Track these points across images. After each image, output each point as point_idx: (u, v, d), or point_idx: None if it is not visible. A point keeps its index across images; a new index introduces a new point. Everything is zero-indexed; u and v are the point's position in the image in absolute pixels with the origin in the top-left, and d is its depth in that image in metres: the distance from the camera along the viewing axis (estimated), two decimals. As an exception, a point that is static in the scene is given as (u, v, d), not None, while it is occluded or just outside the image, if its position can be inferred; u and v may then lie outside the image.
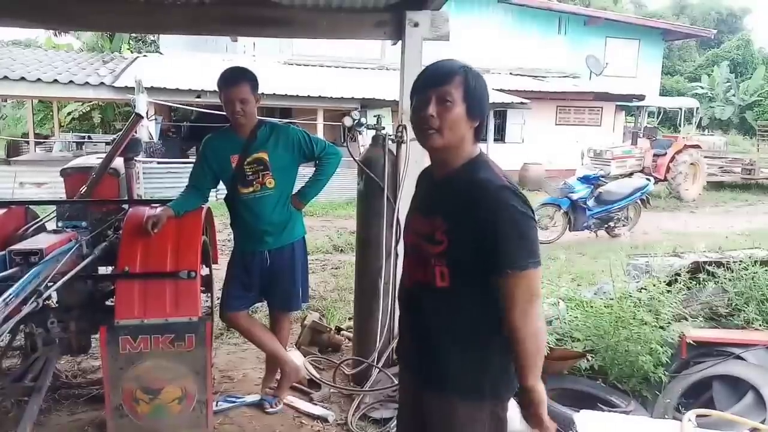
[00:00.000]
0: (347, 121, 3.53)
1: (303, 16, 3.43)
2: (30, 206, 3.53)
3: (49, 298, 3.02)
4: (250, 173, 3.19)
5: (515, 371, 1.70)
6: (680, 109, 15.34)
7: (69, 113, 18.89)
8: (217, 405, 3.37)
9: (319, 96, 12.65)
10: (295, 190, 3.36)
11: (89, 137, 17.67)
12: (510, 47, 18.58)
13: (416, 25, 3.38)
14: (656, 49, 20.82)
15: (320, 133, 12.73)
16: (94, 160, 3.95)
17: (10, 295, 2.02)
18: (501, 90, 15.47)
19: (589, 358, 3.31)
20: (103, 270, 3.36)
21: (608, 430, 2.06)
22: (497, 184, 1.67)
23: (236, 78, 3.13)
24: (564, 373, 3.33)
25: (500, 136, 16.60)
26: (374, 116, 3.77)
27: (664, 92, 24.55)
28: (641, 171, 13.18)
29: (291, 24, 3.45)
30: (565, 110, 17.31)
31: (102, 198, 3.61)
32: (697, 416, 2.18)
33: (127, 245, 2.98)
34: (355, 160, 3.58)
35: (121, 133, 3.59)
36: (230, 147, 3.22)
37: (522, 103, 14.46)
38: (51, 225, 3.49)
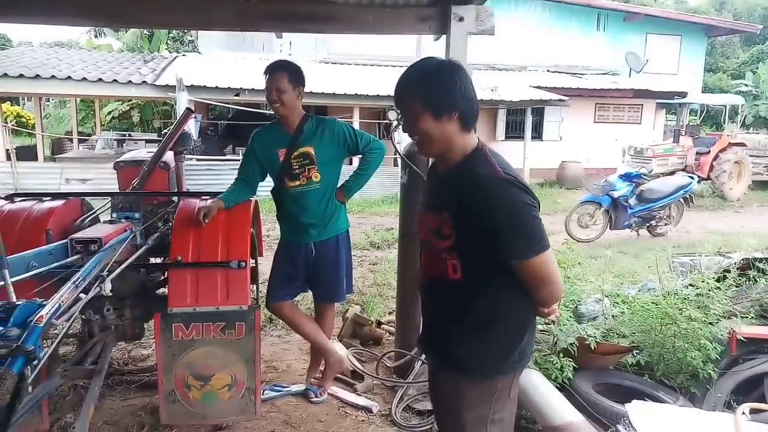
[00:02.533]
0: (392, 115, 3.57)
1: (348, 11, 3.47)
2: (85, 198, 3.64)
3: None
4: (296, 167, 3.25)
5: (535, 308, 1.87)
6: (724, 106, 14.94)
7: (109, 112, 19.41)
8: (263, 393, 3.44)
9: (356, 94, 12.72)
10: (339, 184, 3.42)
11: (129, 135, 18.15)
12: (548, 44, 18.37)
13: (461, 19, 3.39)
14: (699, 45, 20.30)
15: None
16: (145, 154, 4.07)
17: (78, 278, 2.10)
18: (539, 87, 15.33)
19: (635, 354, 3.28)
20: (152, 261, 3.47)
21: (660, 420, 2.05)
22: (494, 179, 1.71)
23: (276, 67, 3.19)
24: (610, 369, 3.30)
25: (538, 133, 16.45)
26: (398, 113, 3.80)
27: (706, 90, 23.94)
28: (683, 169, 12.90)
29: (337, 20, 3.49)
30: (604, 108, 17.04)
31: (154, 190, 3.70)
32: (751, 410, 2.15)
33: (179, 235, 3.06)
34: (399, 153, 3.60)
35: (172, 127, 3.68)
36: (278, 141, 3.28)
37: (561, 100, 14.30)
38: (103, 217, 3.61)
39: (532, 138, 15.57)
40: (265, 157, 3.32)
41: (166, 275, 3.69)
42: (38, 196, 3.47)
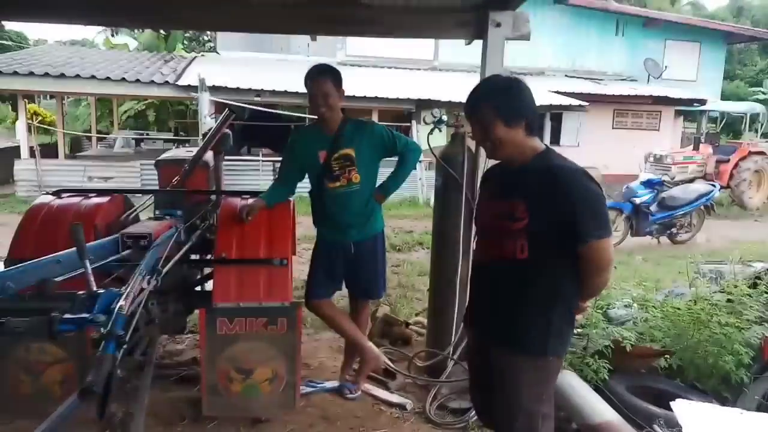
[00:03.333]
0: (428, 118, 3.63)
1: (390, 16, 3.55)
2: (126, 195, 3.74)
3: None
4: (337, 168, 3.31)
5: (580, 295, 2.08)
6: (745, 114, 14.87)
7: (125, 111, 19.61)
8: (300, 389, 3.51)
9: (375, 96, 12.80)
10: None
11: (147, 134, 18.36)
12: (566, 49, 18.39)
13: (498, 25, 3.45)
14: (718, 52, 20.22)
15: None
16: (184, 153, 4.16)
17: (142, 270, 2.19)
18: (557, 92, 15.33)
19: (667, 358, 3.32)
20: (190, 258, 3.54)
21: (704, 418, 2.10)
22: (572, 169, 1.97)
23: (320, 73, 3.25)
24: (642, 372, 3.35)
25: (555, 138, 16.42)
26: (438, 115, 3.86)
27: (724, 97, 23.78)
28: (703, 177, 12.86)
29: (378, 24, 3.58)
30: (622, 114, 17.02)
31: (196, 188, 3.78)
32: (794, 413, 2.20)
33: (223, 233, 3.15)
34: (434, 155, 3.67)
35: (214, 127, 3.77)
36: (318, 143, 3.35)
37: (580, 105, 14.30)
38: (143, 214, 3.71)
39: (550, 143, 15.56)
40: (306, 159, 3.39)
41: (205, 272, 3.81)
42: (84, 192, 3.57)
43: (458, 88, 14.21)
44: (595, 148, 15.84)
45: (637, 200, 8.56)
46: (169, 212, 3.44)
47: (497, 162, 2.22)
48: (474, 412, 3.23)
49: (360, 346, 3.56)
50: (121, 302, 1.72)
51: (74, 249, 2.53)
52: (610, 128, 16.91)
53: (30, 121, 12.26)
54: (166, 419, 3.26)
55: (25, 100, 12.61)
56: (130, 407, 3.32)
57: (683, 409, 2.13)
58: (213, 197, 3.92)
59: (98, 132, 18.12)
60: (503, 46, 3.53)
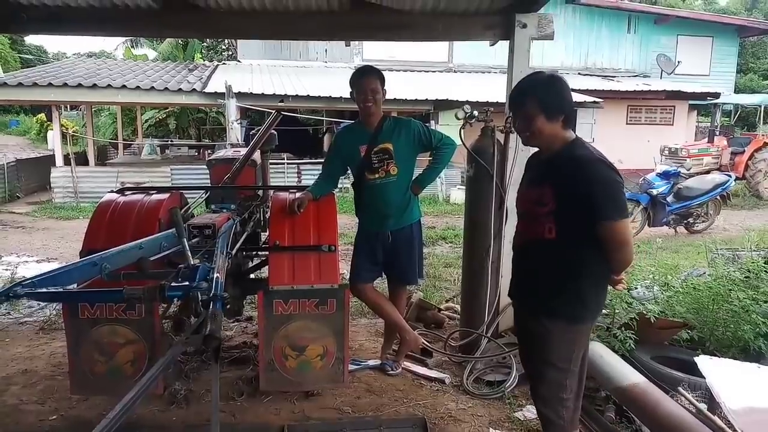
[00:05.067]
0: (460, 114, 3.90)
1: (421, 20, 3.83)
2: (183, 192, 4.05)
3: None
4: (376, 161, 3.60)
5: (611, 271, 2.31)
6: (759, 106, 14.97)
7: (146, 120, 20.09)
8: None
9: (394, 98, 13.07)
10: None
11: (171, 141, 18.81)
12: (578, 47, 18.59)
13: (524, 26, 3.72)
14: (730, 46, 20.30)
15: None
16: (232, 153, 4.47)
17: (222, 249, 2.49)
18: (571, 90, 15.51)
19: (688, 331, 3.56)
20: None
21: (727, 371, 2.35)
22: (593, 158, 2.17)
23: (368, 71, 3.59)
24: (666, 344, 3.59)
25: (569, 136, 16.62)
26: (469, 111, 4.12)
27: (738, 91, 23.78)
28: (718, 169, 13.01)
29: (411, 28, 3.86)
30: (636, 110, 17.16)
31: (244, 184, 4.09)
32: (805, 368, 2.44)
33: (276, 223, 3.44)
34: (467, 148, 3.94)
35: (262, 128, 4.07)
36: (359, 138, 3.65)
37: (595, 102, 14.48)
38: (197, 210, 4.01)
39: (565, 140, 15.77)
40: (348, 153, 3.68)
41: (255, 261, 4.11)
42: (145, 189, 3.88)
43: (474, 88, 14.48)
44: (609, 144, 15.89)
45: (654, 191, 8.76)
46: (224, 206, 3.75)
47: (537, 150, 2.47)
48: (508, 383, 3.54)
49: (401, 328, 3.84)
50: (217, 273, 2.02)
51: (150, 238, 2.85)
52: (624, 124, 17.05)
53: (65, 130, 12.68)
54: (224, 396, 3.55)
55: (59, 110, 13.05)
56: (192, 386, 3.67)
57: (706, 363, 2.38)
58: (260, 193, 4.22)
59: (125, 140, 18.60)
60: (529, 46, 3.80)
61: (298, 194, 3.60)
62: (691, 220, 9.19)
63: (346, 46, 13.22)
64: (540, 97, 2.24)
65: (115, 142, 17.66)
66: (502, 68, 17.88)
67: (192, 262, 2.11)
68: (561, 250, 2.26)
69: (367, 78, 3.55)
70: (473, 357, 3.90)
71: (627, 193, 9.32)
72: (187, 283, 1.99)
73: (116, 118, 18.29)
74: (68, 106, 25.69)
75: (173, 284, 1.95)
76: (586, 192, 2.12)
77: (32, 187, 13.42)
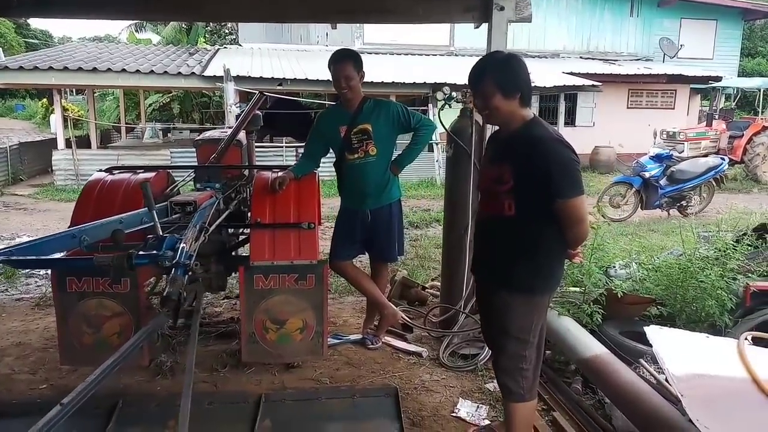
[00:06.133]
0: (439, 96, 3.99)
1: (403, 3, 3.90)
2: (170, 171, 4.16)
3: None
4: (355, 142, 3.69)
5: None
6: (758, 89, 14.92)
7: (150, 104, 20.20)
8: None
9: (392, 82, 13.13)
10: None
11: (174, 125, 18.93)
12: (580, 31, 18.53)
13: (502, 8, 3.78)
14: (735, 29, 20.16)
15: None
16: (219, 134, 4.56)
17: (195, 223, 2.60)
18: (571, 73, 15.51)
19: (659, 307, 3.66)
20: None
21: (675, 340, 2.45)
22: (550, 137, 2.25)
23: (342, 57, 3.63)
24: (636, 320, 3.70)
25: (570, 119, 16.65)
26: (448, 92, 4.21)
27: (744, 74, 23.67)
28: (716, 153, 13.01)
29: (394, 11, 3.93)
30: (637, 93, 17.14)
31: (230, 164, 4.19)
32: (753, 338, 2.53)
33: (257, 201, 3.55)
34: (445, 129, 4.03)
35: (246, 109, 4.17)
36: (339, 119, 3.74)
37: (593, 85, 14.48)
38: (183, 188, 4.12)
39: (566, 124, 15.80)
40: (329, 134, 3.78)
41: (240, 238, 4.23)
42: (132, 169, 4.00)
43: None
44: (610, 128, 16.04)
45: (647, 174, 8.82)
46: (209, 185, 3.85)
47: (497, 129, 2.57)
48: (481, 356, 3.66)
49: (380, 303, 3.96)
50: (183, 243, 2.13)
51: (131, 213, 2.97)
52: (625, 108, 17.05)
53: (67, 113, 12.81)
54: (209, 367, 3.69)
55: (66, 94, 13.18)
56: (178, 358, 3.80)
57: (654, 332, 2.48)
58: (246, 173, 4.32)
59: (128, 124, 18.74)
60: (507, 28, 3.86)
61: (280, 173, 3.71)
62: (684, 203, 9.24)
63: (332, 28, 13.16)
64: (496, 76, 2.30)
65: (117, 126, 17.77)
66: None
67: (160, 233, 2.22)
68: (520, 226, 2.35)
69: (341, 64, 3.60)
70: (450, 332, 4.02)
71: (619, 177, 9.41)
72: (154, 252, 2.10)
73: (121, 102, 18.45)
74: (74, 90, 25.87)
75: (140, 252, 2.06)
76: (544, 170, 2.20)
77: (35, 170, 13.59)
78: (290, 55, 15.79)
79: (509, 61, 2.36)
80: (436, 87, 13.28)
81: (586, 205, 2.29)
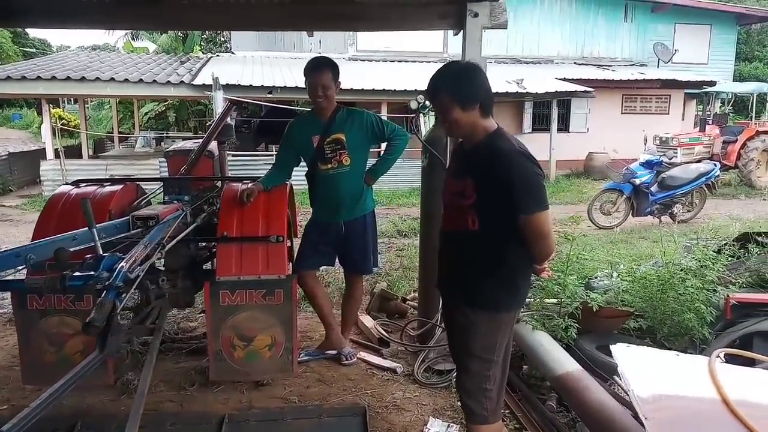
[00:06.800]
0: (413, 104, 3.92)
1: (375, 11, 3.82)
2: (139, 183, 4.07)
3: (159, 260, 3.59)
4: (329, 151, 3.62)
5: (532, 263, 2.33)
6: (752, 94, 14.86)
7: (146, 113, 20.15)
8: (300, 357, 3.83)
9: (383, 89, 13.06)
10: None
11: (167, 134, 18.88)
12: (574, 36, 18.50)
13: (476, 15, 3.70)
14: (729, 33, 20.13)
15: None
16: (191, 145, 4.49)
17: (146, 241, 2.51)
18: (564, 79, 15.47)
19: (638, 320, 3.57)
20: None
21: (642, 359, 2.35)
22: (512, 150, 2.16)
23: (319, 66, 3.56)
24: (615, 333, 3.60)
25: (564, 125, 16.57)
26: (421, 101, 4.13)
27: (741, 78, 23.58)
28: (710, 158, 12.93)
29: (365, 18, 3.86)
30: (631, 99, 17.08)
31: (201, 176, 4.11)
32: (726, 356, 2.44)
33: (225, 214, 3.47)
34: (419, 139, 3.95)
35: (215, 119, 4.09)
36: (312, 128, 3.66)
37: (586, 91, 14.43)
38: (154, 201, 4.03)
39: (559, 130, 15.70)
40: (301, 143, 3.69)
41: (212, 252, 4.13)
42: (100, 181, 3.91)
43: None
44: (604, 134, 15.96)
45: (637, 181, 8.73)
46: (177, 197, 3.77)
47: (461, 141, 2.47)
48: (455, 372, 3.56)
49: (327, 326, 3.92)
50: (122, 263, 2.04)
51: (84, 229, 2.87)
52: (619, 113, 16.99)
53: (54, 124, 12.75)
54: (177, 385, 3.60)
55: (50, 104, 13.13)
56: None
57: (621, 351, 2.38)
58: (219, 184, 4.23)
59: (120, 133, 18.67)
60: (481, 35, 3.77)
61: (249, 185, 3.62)
62: (675, 209, 9.14)
63: (308, 36, 13.12)
64: (452, 88, 2.21)
65: (107, 135, 17.71)
66: (497, 57, 17.79)
67: (100, 253, 2.13)
68: (484, 241, 2.26)
69: (318, 73, 3.53)
70: (427, 346, 3.92)
71: (610, 183, 9.33)
72: (91, 272, 2.01)
73: (119, 111, 18.40)
74: (72, 99, 25.83)
75: (75, 274, 1.97)
76: (506, 184, 2.11)
77: (25, 181, 13.50)
78: (282, 63, 15.73)
79: (465, 72, 2.27)
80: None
81: (551, 219, 2.20)
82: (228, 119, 4.08)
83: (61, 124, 19.12)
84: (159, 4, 3.74)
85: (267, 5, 3.74)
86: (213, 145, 4.25)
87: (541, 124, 16.32)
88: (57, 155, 12.40)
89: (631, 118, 16.93)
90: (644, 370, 2.24)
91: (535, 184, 2.13)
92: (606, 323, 3.52)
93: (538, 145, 15.52)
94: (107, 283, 1.89)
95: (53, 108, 21.46)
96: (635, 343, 3.47)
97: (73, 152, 14.26)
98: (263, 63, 15.75)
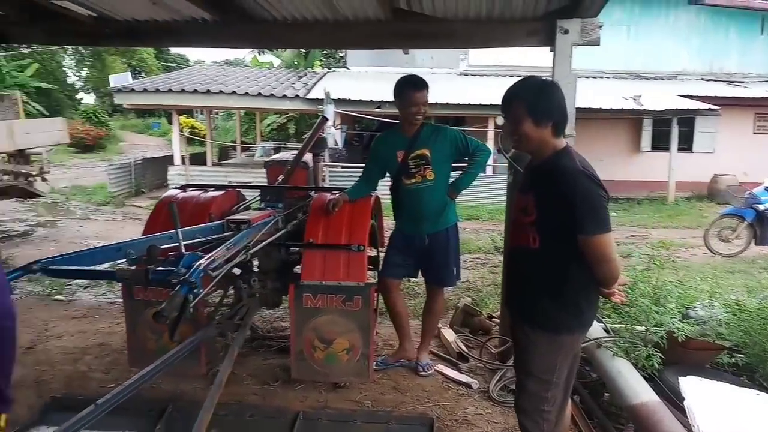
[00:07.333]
0: (499, 121, 3.91)
1: (462, 28, 3.88)
2: (240, 190, 4.38)
3: (252, 262, 3.84)
4: (413, 167, 3.71)
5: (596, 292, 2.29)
6: None
7: (268, 125, 21.32)
8: (377, 365, 3.93)
9: (490, 104, 12.97)
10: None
11: (285, 145, 19.85)
12: (702, 51, 17.36)
13: (566, 32, 3.66)
14: None
15: (490, 141, 13.06)
16: (290, 156, 4.76)
17: (229, 244, 2.72)
18: (688, 96, 14.55)
19: (733, 355, 3.32)
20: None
21: (714, 394, 2.21)
22: (574, 169, 2.13)
23: (422, 84, 3.70)
24: (707, 367, 3.38)
25: (687, 145, 15.51)
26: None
27: None
28: None
29: (454, 36, 3.92)
30: (765, 118, 15.72)
31: (295, 185, 4.35)
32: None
33: (312, 222, 3.66)
34: (505, 156, 3.93)
35: (310, 132, 4.31)
36: (397, 144, 3.78)
37: (710, 109, 13.49)
38: (254, 206, 4.31)
39: (681, 149, 14.76)
40: (386, 158, 3.82)
41: (301, 257, 4.35)
42: (204, 187, 4.25)
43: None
44: (732, 155, 14.83)
45: (761, 207, 8.04)
46: (272, 205, 4.01)
47: (531, 157, 2.47)
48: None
49: (403, 336, 4.04)
50: (200, 261, 2.23)
51: (187, 228, 3.15)
52: (751, 133, 15.69)
53: (181, 133, 13.86)
54: (262, 380, 3.83)
55: (184, 114, 14.33)
56: (235, 370, 3.95)
57: (691, 384, 2.26)
58: (313, 193, 4.45)
59: (245, 143, 19.92)
60: (571, 52, 3.73)
61: (336, 195, 3.80)
62: (806, 240, 8.32)
63: (404, 53, 13.22)
64: (528, 102, 2.22)
65: (230, 144, 18.93)
66: (615, 72, 17.02)
67: (183, 251, 2.34)
68: (544, 260, 2.24)
69: (420, 91, 3.67)
70: (506, 365, 3.88)
71: (729, 209, 8.67)
72: (172, 268, 2.22)
73: (244, 122, 19.68)
74: (202, 110, 27.99)
75: (158, 269, 2.19)
76: (566, 204, 2.10)
77: (155, 183, 14.73)
78: (393, 78, 16.00)
79: (544, 88, 2.27)
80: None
81: (613, 243, 2.14)
82: (321, 133, 4.28)
83: (192, 133, 20.73)
84: (254, 23, 4.03)
85: (356, 24, 3.92)
86: (308, 157, 4.48)
87: (660, 142, 15.41)
88: (183, 161, 13.46)
89: (764, 139, 15.59)
90: (714, 406, 2.11)
91: (597, 205, 2.10)
92: (694, 356, 3.31)
93: (657, 165, 14.73)
94: (183, 278, 2.08)
95: (187, 118, 23.35)
96: (729, 380, 3.25)
97: (200, 159, 15.40)
98: (376, 78, 16.18)
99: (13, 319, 1.45)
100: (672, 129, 14.20)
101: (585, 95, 12.42)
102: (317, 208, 3.73)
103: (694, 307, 4.02)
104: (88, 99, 36.47)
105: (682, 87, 15.85)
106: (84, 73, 36.55)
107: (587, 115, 12.16)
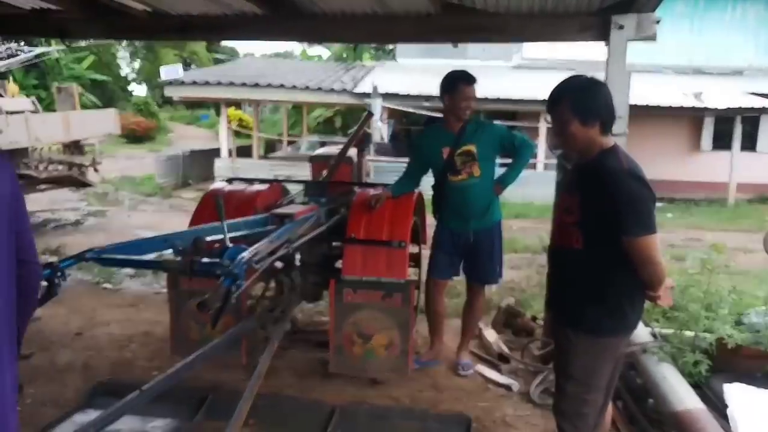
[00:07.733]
0: (548, 118, 3.82)
1: (514, 22, 3.80)
2: (285, 184, 4.42)
3: (294, 255, 3.87)
4: (459, 163, 3.67)
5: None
6: None
7: (315, 118, 21.46)
8: (417, 361, 3.91)
9: (543, 100, 12.65)
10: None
11: (331, 139, 19.99)
12: (771, 45, 16.47)
13: (621, 27, 3.54)
14: None
15: (542, 137, 12.80)
16: (334, 151, 4.78)
17: (272, 237, 2.75)
18: (755, 94, 13.87)
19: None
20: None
21: (759, 403, 2.11)
22: (620, 169, 2.10)
23: (473, 79, 3.67)
24: (757, 375, 3.23)
25: (751, 144, 14.80)
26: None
27: None
28: None
29: (505, 30, 3.85)
30: (834, 117, 14.88)
31: (339, 180, 4.36)
32: None
33: (354, 217, 3.66)
34: (554, 153, 3.87)
35: (355, 128, 4.32)
36: (442, 140, 3.73)
37: (775, 108, 12.87)
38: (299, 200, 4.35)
39: (743, 149, 14.08)
40: (430, 155, 3.79)
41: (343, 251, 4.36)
42: (250, 180, 4.31)
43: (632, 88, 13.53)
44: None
45: (826, 211, 7.63)
46: (315, 199, 4.03)
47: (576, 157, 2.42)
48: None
49: (436, 336, 4.04)
50: (244, 254, 2.26)
51: (233, 221, 3.20)
52: (826, 133, 14.86)
53: (229, 126, 14.12)
54: (301, 373, 3.86)
55: (232, 107, 14.60)
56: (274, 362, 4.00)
57: (734, 391, 2.16)
58: (356, 188, 4.46)
59: (292, 136, 20.16)
60: (625, 48, 3.61)
61: (379, 191, 3.79)
62: None
63: (454, 47, 13.11)
64: (574, 101, 2.18)
65: (276, 138, 19.16)
66: (676, 67, 16.34)
67: (228, 244, 2.37)
68: (587, 261, 2.20)
69: (470, 86, 3.65)
70: (547, 368, 3.80)
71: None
72: (216, 260, 2.26)
73: (291, 115, 19.92)
74: (250, 103, 28.45)
75: (203, 260, 2.23)
76: (611, 204, 2.07)
77: (202, 176, 15.03)
78: (443, 72, 15.91)
79: (590, 87, 2.22)
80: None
81: (659, 245, 2.08)
82: (367, 128, 4.28)
83: (240, 125, 21.07)
84: (303, 18, 4.05)
85: (405, 19, 3.89)
86: (352, 152, 4.48)
87: (721, 141, 14.74)
88: (230, 154, 13.70)
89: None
90: (760, 414, 2.01)
91: (642, 207, 2.07)
92: (745, 364, 3.16)
93: (717, 166, 14.10)
94: (227, 270, 2.11)
95: (235, 110, 23.75)
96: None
97: (246, 151, 15.64)
98: (425, 71, 16.01)
99: (39, 266, 1.74)
100: (735, 128, 13.58)
101: (642, 91, 12.02)
102: (359, 203, 3.74)
103: (748, 314, 3.86)
104: (140, 90, 37.44)
105: (747, 83, 15.12)
106: (137, 65, 37.55)
107: (643, 112, 11.76)
